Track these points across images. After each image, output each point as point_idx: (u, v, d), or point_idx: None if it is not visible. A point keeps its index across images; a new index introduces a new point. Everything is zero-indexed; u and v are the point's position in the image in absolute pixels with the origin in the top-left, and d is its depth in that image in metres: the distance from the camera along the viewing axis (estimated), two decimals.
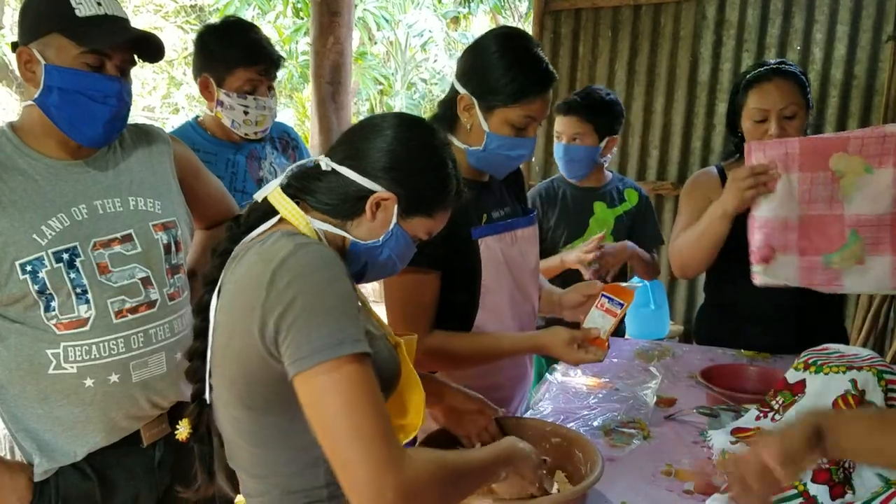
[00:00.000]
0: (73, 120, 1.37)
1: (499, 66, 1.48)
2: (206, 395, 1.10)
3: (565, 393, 1.80)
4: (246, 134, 2.04)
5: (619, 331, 2.62)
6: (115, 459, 1.48)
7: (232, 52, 1.97)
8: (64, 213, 1.37)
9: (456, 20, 10.13)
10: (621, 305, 1.48)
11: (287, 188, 1.12)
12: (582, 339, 1.47)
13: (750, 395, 1.61)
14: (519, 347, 1.60)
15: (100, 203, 1.42)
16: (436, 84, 9.72)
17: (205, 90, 2.03)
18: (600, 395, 1.76)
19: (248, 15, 7.79)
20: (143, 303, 1.44)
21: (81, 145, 1.41)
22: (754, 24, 3.74)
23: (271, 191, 1.12)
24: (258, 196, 1.13)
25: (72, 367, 1.38)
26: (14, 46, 1.40)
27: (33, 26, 1.37)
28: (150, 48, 1.44)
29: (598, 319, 1.49)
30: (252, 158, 2.12)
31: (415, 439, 1.36)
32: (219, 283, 1.08)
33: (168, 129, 1.90)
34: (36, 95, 1.37)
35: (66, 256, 1.36)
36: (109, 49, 1.37)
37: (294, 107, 8.96)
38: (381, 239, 1.11)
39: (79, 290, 1.37)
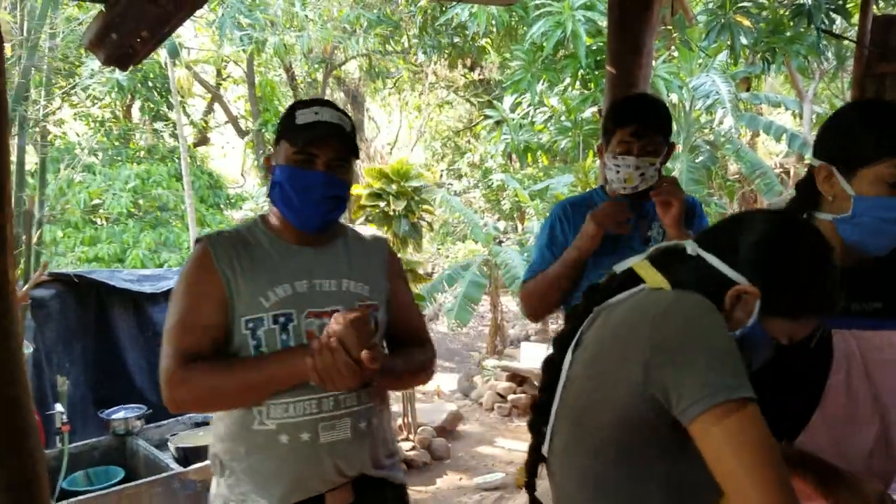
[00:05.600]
0: (287, 207, 1.62)
1: (858, 125, 1.30)
2: (545, 448, 1.16)
3: None
4: (616, 190, 2.16)
5: None
6: None
7: (611, 117, 2.13)
8: (288, 284, 1.59)
9: (746, 80, 8.94)
10: None
11: (650, 262, 1.14)
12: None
13: None
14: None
15: (318, 282, 1.63)
16: (728, 146, 8.88)
17: (600, 155, 2.21)
18: None
19: (538, 88, 7.92)
20: None
21: (304, 231, 1.63)
22: None
23: (636, 262, 1.14)
24: (617, 268, 1.17)
25: (272, 424, 1.54)
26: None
27: (277, 137, 1.64)
28: (349, 146, 1.62)
29: None
30: (643, 218, 2.20)
31: None
32: (573, 342, 1.13)
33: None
34: (268, 190, 1.65)
35: (282, 320, 1.56)
36: (314, 148, 1.58)
37: (573, 172, 8.74)
38: (736, 333, 1.05)
39: None
